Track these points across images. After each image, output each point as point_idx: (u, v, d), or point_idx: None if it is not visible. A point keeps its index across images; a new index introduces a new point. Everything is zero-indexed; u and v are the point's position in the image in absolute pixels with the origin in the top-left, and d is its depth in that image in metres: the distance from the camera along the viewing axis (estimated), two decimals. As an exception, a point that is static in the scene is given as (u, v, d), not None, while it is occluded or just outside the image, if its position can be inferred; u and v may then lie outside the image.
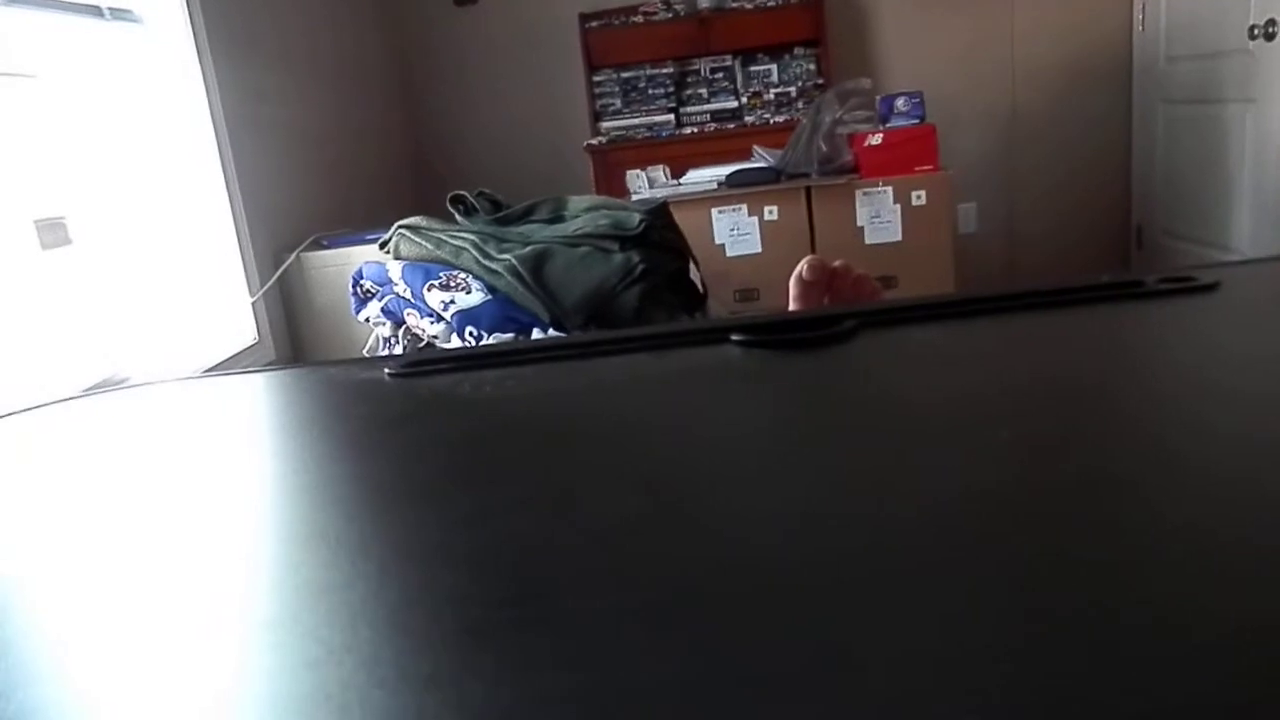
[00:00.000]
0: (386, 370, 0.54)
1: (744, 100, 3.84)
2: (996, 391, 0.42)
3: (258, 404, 0.57)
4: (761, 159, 2.92)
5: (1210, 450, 0.33)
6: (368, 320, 2.00)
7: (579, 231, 1.84)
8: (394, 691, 0.23)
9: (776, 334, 0.50)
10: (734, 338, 0.51)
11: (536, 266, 1.80)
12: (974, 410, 0.39)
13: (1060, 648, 0.22)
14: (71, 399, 0.61)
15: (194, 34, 2.59)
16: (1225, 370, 0.41)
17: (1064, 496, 0.30)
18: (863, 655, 0.22)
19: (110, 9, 2.36)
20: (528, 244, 1.86)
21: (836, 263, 0.84)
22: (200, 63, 2.61)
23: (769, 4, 3.80)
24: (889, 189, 2.70)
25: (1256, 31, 2.94)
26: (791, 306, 0.84)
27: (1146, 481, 0.31)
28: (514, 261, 1.80)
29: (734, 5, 3.82)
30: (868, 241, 2.73)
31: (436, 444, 0.44)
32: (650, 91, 3.86)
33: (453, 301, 1.81)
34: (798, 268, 0.83)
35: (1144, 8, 3.67)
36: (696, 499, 0.34)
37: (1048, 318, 0.51)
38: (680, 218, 1.99)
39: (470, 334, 1.80)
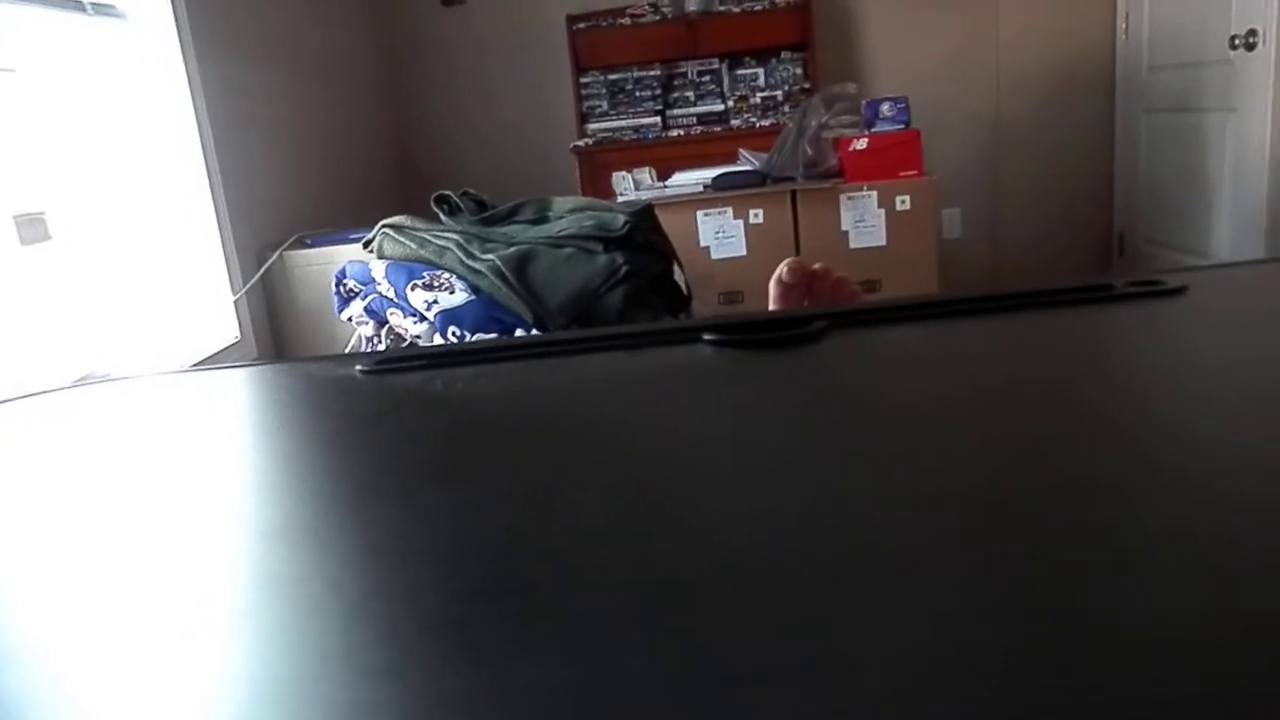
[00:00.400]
0: (358, 367, 0.54)
1: (730, 103, 3.85)
2: (964, 391, 0.42)
3: (234, 399, 0.57)
4: (747, 162, 2.93)
5: (1184, 451, 0.33)
6: (350, 320, 1.99)
7: (563, 232, 1.84)
8: (344, 685, 0.23)
9: (748, 334, 0.50)
10: (706, 337, 0.51)
11: (520, 267, 1.79)
12: (942, 410, 0.40)
13: (1056, 647, 0.21)
14: (51, 391, 0.60)
15: (178, 29, 2.58)
16: (1189, 372, 0.42)
17: (1036, 495, 0.31)
18: (850, 653, 0.22)
19: (92, 3, 2.35)
20: (512, 244, 1.85)
21: (816, 265, 0.84)
22: (184, 58, 2.59)
23: (756, 8, 3.81)
24: (873, 193, 2.71)
25: (1237, 42, 2.97)
26: (771, 308, 0.84)
27: (1125, 481, 0.31)
28: (498, 262, 1.80)
29: (721, 8, 3.83)
30: (852, 246, 2.74)
31: (411, 440, 0.44)
32: (637, 94, 3.86)
33: (436, 301, 1.81)
34: (778, 270, 0.84)
35: (1127, 17, 3.70)
36: (670, 496, 0.34)
37: (1017, 320, 0.51)
38: (665, 220, 2.00)
39: (453, 334, 1.80)
